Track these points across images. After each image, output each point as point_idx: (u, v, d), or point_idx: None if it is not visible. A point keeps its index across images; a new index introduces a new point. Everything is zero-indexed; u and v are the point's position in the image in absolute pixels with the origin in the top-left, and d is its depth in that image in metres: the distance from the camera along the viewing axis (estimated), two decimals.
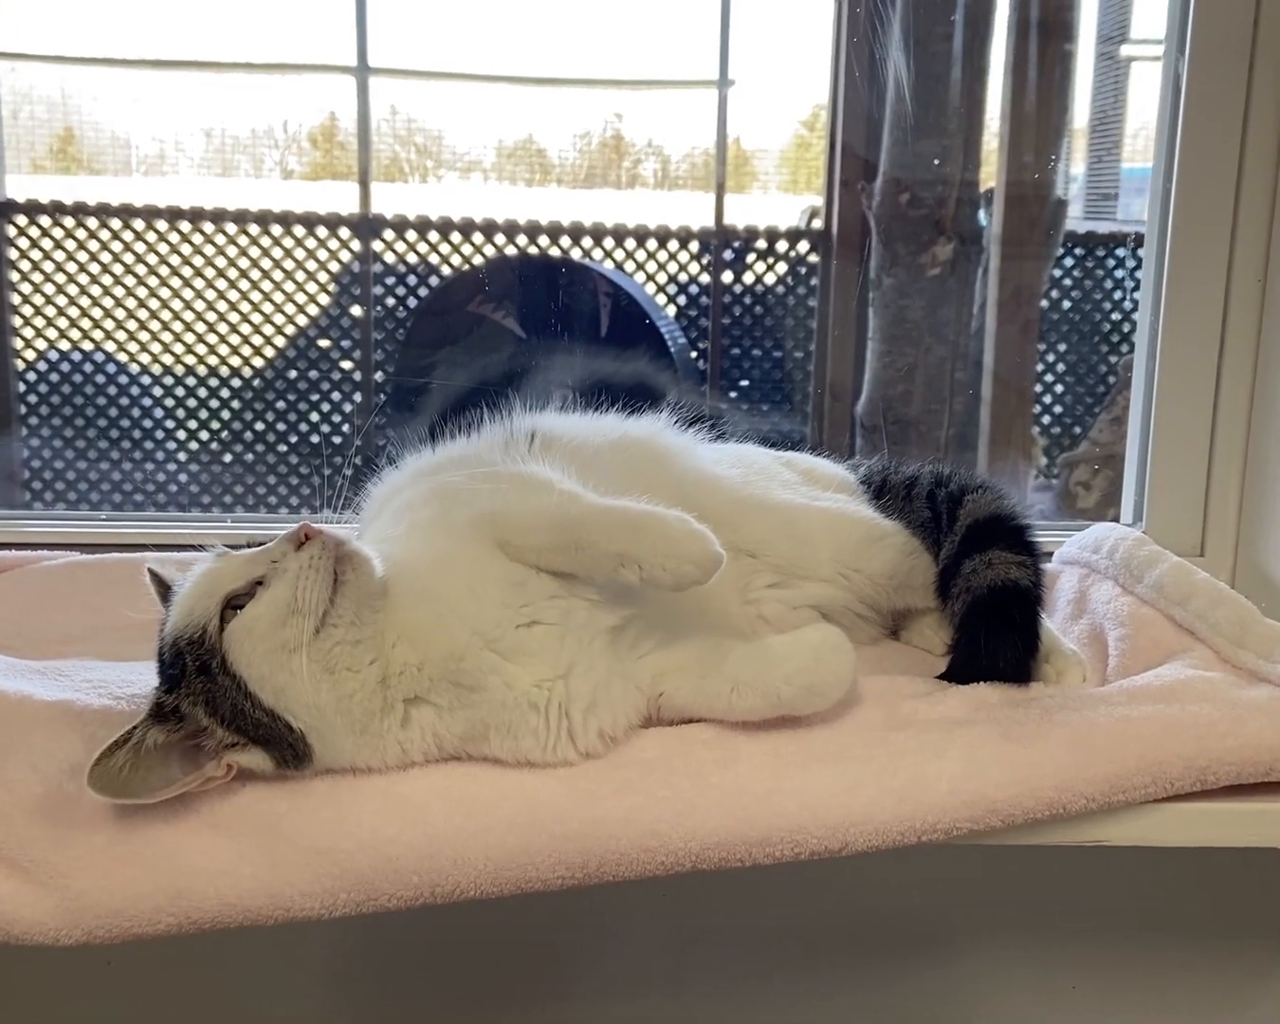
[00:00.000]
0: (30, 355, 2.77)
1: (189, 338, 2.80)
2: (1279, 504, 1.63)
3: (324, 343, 2.90)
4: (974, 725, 1.19)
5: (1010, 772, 1.14)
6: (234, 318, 2.82)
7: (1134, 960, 1.63)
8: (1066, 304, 2.81)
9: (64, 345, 2.79)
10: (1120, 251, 2.70)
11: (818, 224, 2.82)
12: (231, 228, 2.77)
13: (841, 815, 1.10)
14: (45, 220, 2.73)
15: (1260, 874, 1.57)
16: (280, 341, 2.87)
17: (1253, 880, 1.58)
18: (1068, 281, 2.80)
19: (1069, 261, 2.76)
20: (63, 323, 2.77)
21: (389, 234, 2.82)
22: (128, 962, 1.46)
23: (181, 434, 2.85)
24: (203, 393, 2.84)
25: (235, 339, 2.83)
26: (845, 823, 1.10)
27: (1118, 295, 2.73)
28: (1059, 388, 2.84)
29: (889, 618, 1.46)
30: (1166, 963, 1.63)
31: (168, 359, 2.82)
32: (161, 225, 2.75)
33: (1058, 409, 2.84)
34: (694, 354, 2.91)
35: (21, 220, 2.72)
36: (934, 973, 1.65)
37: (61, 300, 2.76)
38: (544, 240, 2.76)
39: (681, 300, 2.94)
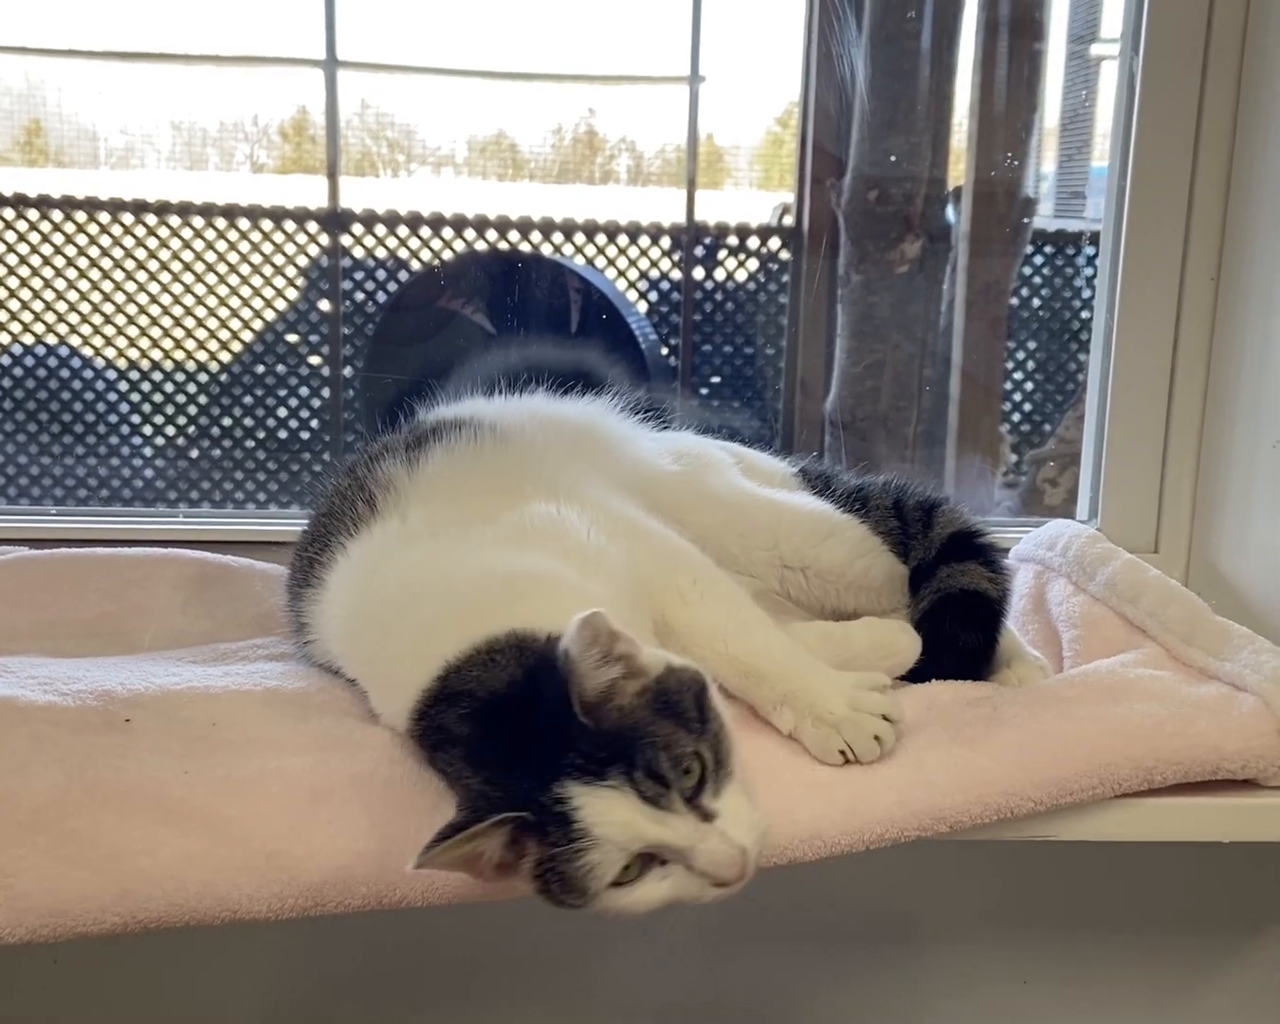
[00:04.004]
0: None
1: (155, 332, 2.78)
2: (1232, 501, 1.65)
3: (292, 338, 2.88)
4: (924, 728, 1.21)
5: (958, 778, 1.16)
6: (200, 312, 2.79)
7: (1084, 954, 1.65)
8: (1036, 302, 2.81)
9: (28, 339, 2.76)
10: (1089, 250, 2.70)
11: (789, 221, 2.81)
12: (199, 221, 2.75)
13: (789, 834, 1.11)
14: (9, 213, 2.71)
15: (1208, 869, 1.59)
16: (247, 336, 2.84)
17: (1201, 875, 1.60)
18: (1037, 279, 2.80)
19: (1038, 260, 2.77)
20: (27, 317, 2.74)
21: (358, 228, 2.80)
22: (74, 960, 1.45)
23: (148, 429, 2.82)
24: (169, 388, 2.82)
25: (202, 334, 2.80)
26: (793, 841, 1.11)
27: (1087, 293, 2.74)
28: (1027, 385, 2.84)
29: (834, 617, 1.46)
30: (1117, 956, 1.65)
31: (134, 353, 2.80)
32: (128, 219, 2.72)
33: (1026, 407, 2.84)
34: (665, 351, 2.90)
35: None
36: (888, 966, 1.66)
37: (26, 294, 2.73)
38: (515, 236, 2.75)
39: (653, 297, 2.93)
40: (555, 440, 1.35)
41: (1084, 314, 2.76)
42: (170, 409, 2.82)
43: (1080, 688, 1.27)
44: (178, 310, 2.77)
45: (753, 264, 2.86)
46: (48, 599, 1.44)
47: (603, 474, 1.32)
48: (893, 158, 2.47)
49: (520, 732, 1.00)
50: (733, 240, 2.84)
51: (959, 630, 1.33)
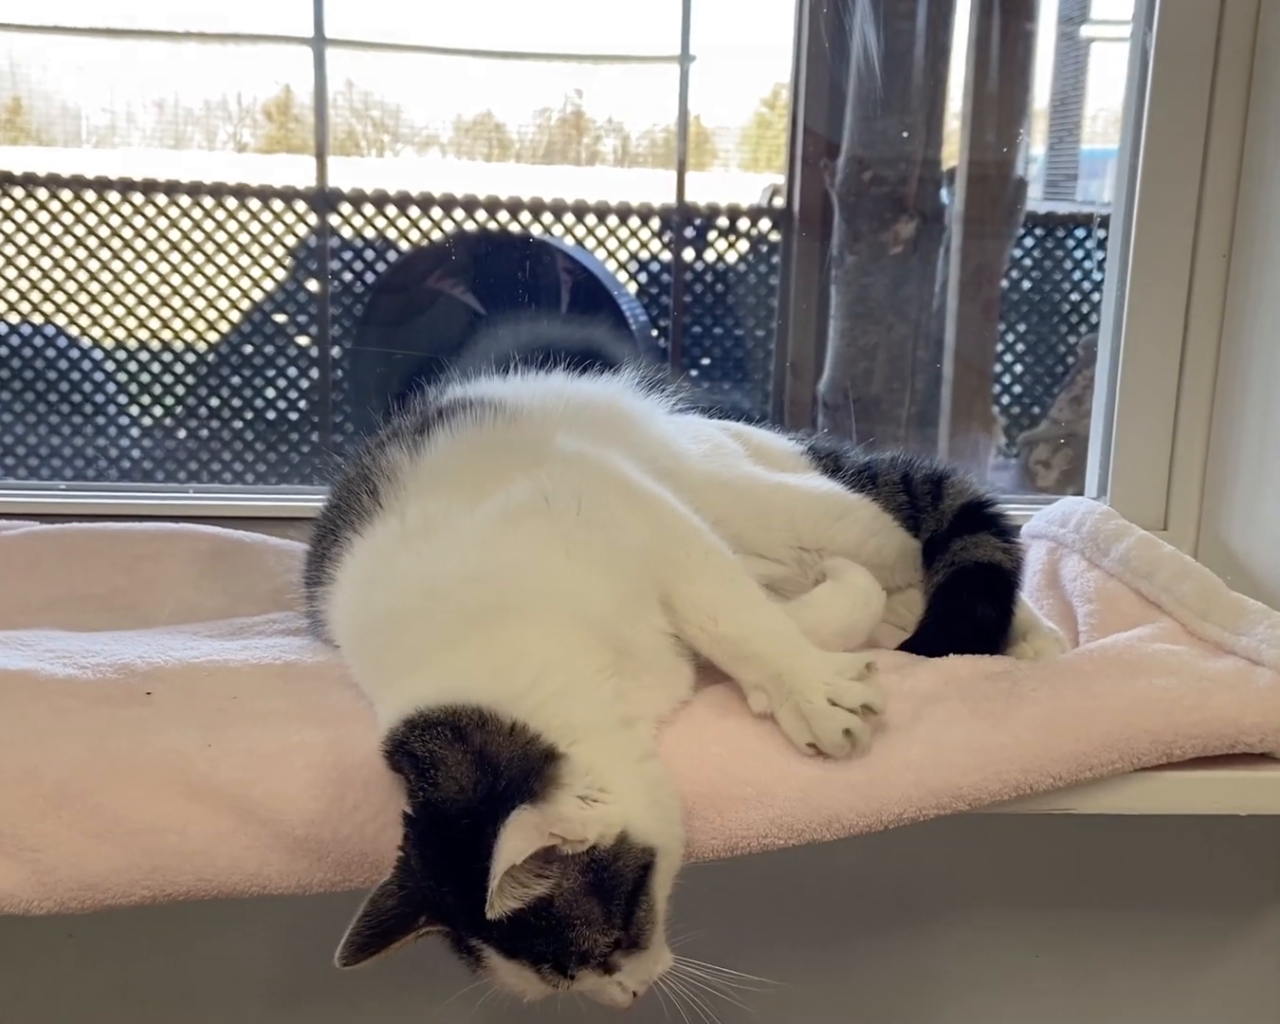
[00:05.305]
0: None
1: (142, 312, 2.75)
2: (1241, 478, 1.65)
3: (280, 318, 2.86)
4: (943, 701, 1.21)
5: (977, 757, 1.15)
6: (188, 292, 2.77)
7: (1097, 927, 1.66)
8: (1026, 284, 2.82)
9: (13, 318, 2.73)
10: (1080, 232, 2.71)
11: (779, 202, 2.81)
12: (185, 201, 2.72)
13: (807, 819, 1.12)
14: None
15: (1220, 841, 1.60)
16: (235, 316, 2.82)
17: (1212, 848, 1.61)
18: (1028, 261, 2.81)
19: (1029, 242, 2.77)
20: (12, 296, 2.71)
21: (346, 208, 2.78)
22: (90, 932, 1.45)
23: (135, 409, 2.80)
24: (156, 368, 2.79)
25: (189, 314, 2.78)
26: (810, 825, 1.12)
27: (1077, 276, 2.75)
28: (1019, 367, 2.85)
29: None
30: (1129, 930, 1.66)
31: (120, 333, 2.77)
32: (113, 197, 2.70)
33: (1017, 388, 2.85)
34: (655, 331, 2.90)
35: None
36: (897, 941, 1.66)
37: (11, 273, 2.70)
38: (503, 216, 2.74)
39: (643, 278, 2.92)
40: (573, 416, 1.33)
41: (1074, 296, 2.78)
42: (157, 389, 2.80)
43: (1098, 662, 1.27)
44: (165, 290, 2.74)
45: (743, 245, 2.86)
46: (60, 574, 1.43)
47: (626, 451, 1.30)
48: (896, 133, 2.47)
49: (458, 853, 0.99)
50: (722, 222, 2.84)
51: (975, 604, 1.33)
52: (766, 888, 1.56)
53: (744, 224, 2.85)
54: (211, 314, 2.78)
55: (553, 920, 0.98)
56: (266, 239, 2.78)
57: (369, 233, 2.78)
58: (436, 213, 2.78)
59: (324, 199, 2.78)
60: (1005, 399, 2.85)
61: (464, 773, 1.00)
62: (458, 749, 1.01)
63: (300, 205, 2.80)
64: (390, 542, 1.20)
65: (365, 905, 1.00)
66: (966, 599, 1.33)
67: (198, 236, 2.74)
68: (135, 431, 2.73)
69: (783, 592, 1.38)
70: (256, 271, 2.78)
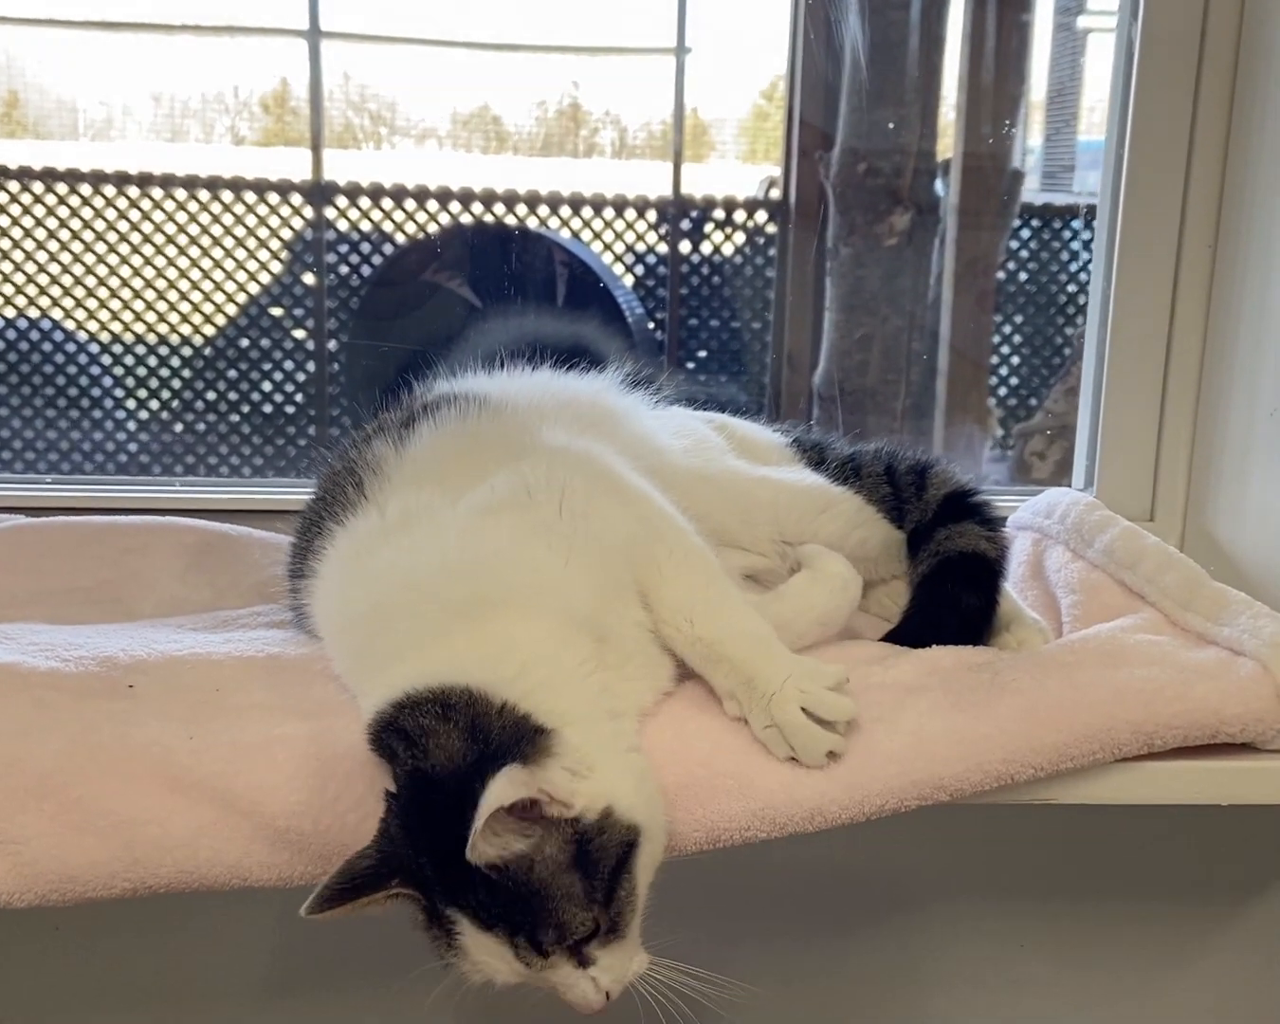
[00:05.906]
0: None
1: (138, 305, 2.76)
2: (1227, 469, 1.65)
3: (276, 311, 2.86)
4: (925, 692, 1.21)
5: (959, 747, 1.16)
6: (184, 285, 2.77)
7: (1082, 919, 1.66)
8: (1023, 276, 2.82)
9: (9, 312, 2.74)
10: (1076, 223, 2.71)
11: (775, 194, 2.81)
12: (181, 194, 2.72)
13: (789, 811, 1.12)
14: None
15: (1202, 832, 1.60)
16: (231, 310, 2.83)
17: (1195, 838, 1.61)
18: (1024, 253, 2.81)
19: (1025, 233, 2.77)
20: (9, 289, 2.72)
21: (342, 201, 2.79)
22: (75, 925, 1.45)
23: (131, 403, 2.81)
24: (152, 361, 2.80)
25: (185, 307, 2.78)
26: (793, 818, 1.12)
27: (1073, 267, 2.75)
28: (1015, 359, 2.85)
29: None
30: (1114, 921, 1.66)
31: (116, 327, 2.78)
32: (109, 191, 2.70)
33: (1013, 380, 2.85)
34: (651, 324, 2.90)
35: None
36: (883, 931, 1.67)
37: (7, 266, 2.70)
38: (500, 209, 2.74)
39: (639, 270, 2.92)
40: (558, 411, 1.34)
41: (1070, 288, 2.77)
42: (154, 383, 2.80)
43: (1080, 653, 1.27)
44: (161, 284, 2.75)
45: (739, 237, 2.86)
46: (46, 567, 1.43)
47: (610, 447, 1.31)
48: (890, 125, 2.47)
49: (443, 819, 0.99)
50: (719, 214, 2.84)
51: (960, 593, 1.33)
52: (748, 883, 1.56)
53: (740, 216, 2.84)
54: (208, 308, 2.78)
55: (533, 889, 0.98)
56: (263, 232, 2.78)
57: (365, 226, 2.79)
58: (433, 206, 2.78)
59: (320, 192, 2.78)
60: (1001, 391, 2.85)
61: (454, 743, 1.01)
62: (448, 722, 1.02)
63: (296, 198, 2.80)
64: (372, 535, 1.20)
65: (341, 865, 1.00)
66: (951, 589, 1.34)
67: (194, 230, 2.74)
68: (132, 425, 2.74)
69: (764, 582, 1.38)
70: (253, 265, 2.79)
